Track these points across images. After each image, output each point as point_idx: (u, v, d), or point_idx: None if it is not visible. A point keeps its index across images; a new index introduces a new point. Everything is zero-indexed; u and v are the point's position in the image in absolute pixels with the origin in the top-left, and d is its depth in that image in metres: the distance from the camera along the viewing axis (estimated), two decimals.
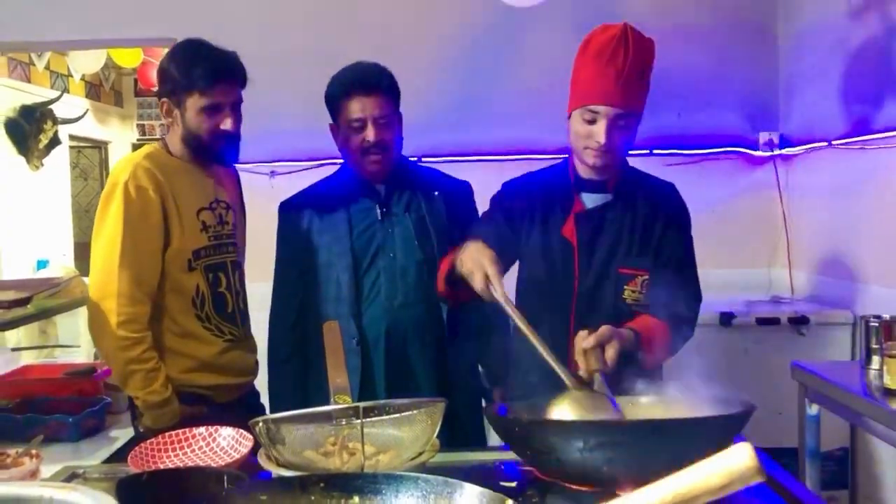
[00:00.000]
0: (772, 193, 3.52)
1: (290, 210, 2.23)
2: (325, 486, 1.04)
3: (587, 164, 1.81)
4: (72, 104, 6.16)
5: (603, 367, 1.49)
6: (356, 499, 1.02)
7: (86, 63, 5.94)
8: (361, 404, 1.39)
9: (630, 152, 1.86)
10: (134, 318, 1.95)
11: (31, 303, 2.55)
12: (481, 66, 3.51)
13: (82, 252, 5.21)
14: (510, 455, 1.41)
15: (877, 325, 2.29)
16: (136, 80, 7.34)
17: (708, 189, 3.37)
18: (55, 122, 5.68)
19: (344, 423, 1.36)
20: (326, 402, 1.47)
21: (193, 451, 1.53)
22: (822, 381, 2.32)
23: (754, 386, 2.66)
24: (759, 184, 3.53)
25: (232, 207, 2.16)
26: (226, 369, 2.09)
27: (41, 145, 5.58)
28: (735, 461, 0.74)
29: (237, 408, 2.04)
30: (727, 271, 3.38)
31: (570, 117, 1.81)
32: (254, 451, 1.41)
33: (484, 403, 2.21)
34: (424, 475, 1.03)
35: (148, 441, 1.53)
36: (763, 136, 3.51)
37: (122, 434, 2.47)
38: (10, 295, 2.46)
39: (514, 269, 1.92)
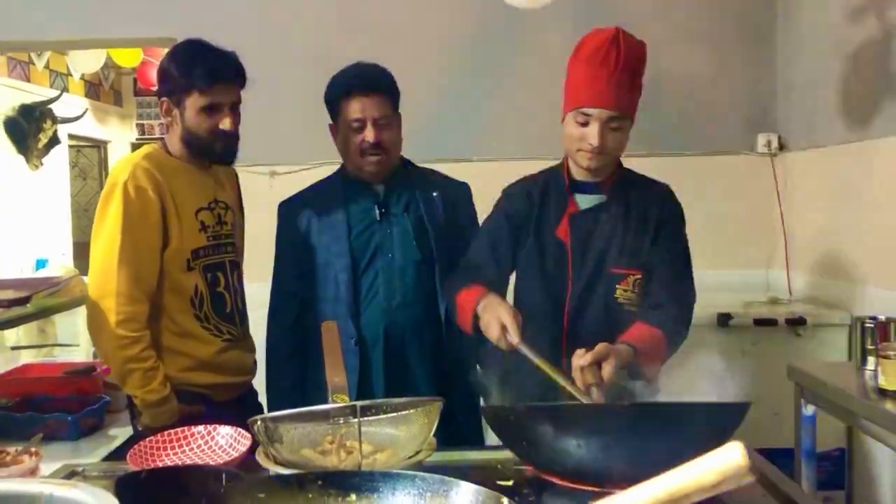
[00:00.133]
0: (770, 195, 3.52)
1: (289, 210, 2.23)
2: (323, 484, 1.04)
3: (581, 166, 1.83)
4: (71, 103, 6.17)
5: (599, 382, 1.51)
6: (353, 497, 1.03)
7: (85, 62, 5.94)
8: (359, 403, 1.40)
9: (628, 154, 1.87)
10: (133, 317, 1.95)
11: (31, 302, 2.56)
12: (481, 67, 3.51)
13: (81, 251, 5.20)
14: (507, 454, 1.42)
15: (872, 326, 2.30)
16: (135, 80, 7.34)
17: (706, 190, 3.37)
18: (54, 121, 5.68)
19: (341, 421, 1.37)
20: (324, 402, 1.47)
21: (192, 449, 1.54)
22: (819, 381, 2.33)
23: (751, 387, 2.65)
24: (757, 185, 3.53)
25: (231, 207, 2.17)
26: (224, 368, 2.10)
27: (40, 144, 5.59)
28: (727, 459, 0.75)
29: (235, 407, 2.05)
30: (725, 272, 3.38)
31: (563, 120, 1.83)
32: (252, 450, 1.42)
33: (482, 403, 2.21)
34: (421, 473, 1.04)
35: (147, 439, 1.54)
36: (761, 138, 3.51)
37: (121, 432, 2.48)
38: (10, 294, 2.47)
39: None
